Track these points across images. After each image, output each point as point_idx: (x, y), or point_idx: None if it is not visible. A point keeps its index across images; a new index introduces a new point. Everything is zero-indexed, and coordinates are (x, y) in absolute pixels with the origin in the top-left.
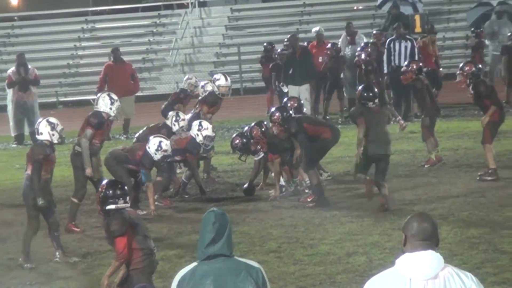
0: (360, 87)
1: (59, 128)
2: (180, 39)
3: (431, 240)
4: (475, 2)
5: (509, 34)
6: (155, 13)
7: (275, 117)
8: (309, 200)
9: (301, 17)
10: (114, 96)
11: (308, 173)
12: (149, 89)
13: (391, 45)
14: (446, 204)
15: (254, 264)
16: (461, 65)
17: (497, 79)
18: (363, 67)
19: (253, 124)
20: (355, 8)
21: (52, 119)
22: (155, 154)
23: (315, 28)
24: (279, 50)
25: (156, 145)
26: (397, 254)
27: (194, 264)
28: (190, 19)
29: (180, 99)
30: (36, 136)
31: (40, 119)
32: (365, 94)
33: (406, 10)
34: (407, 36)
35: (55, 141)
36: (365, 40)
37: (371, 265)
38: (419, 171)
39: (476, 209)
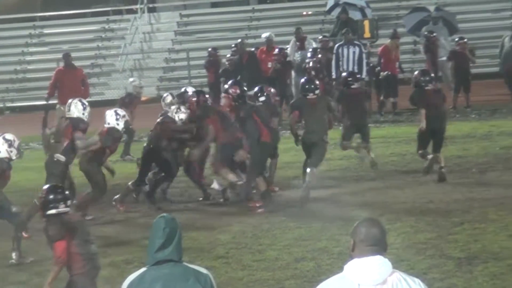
0: (302, 80)
1: (16, 144)
2: (129, 44)
3: (379, 246)
4: (419, 9)
5: (456, 39)
6: (104, 18)
7: (233, 89)
8: (257, 205)
9: (250, 22)
10: (85, 102)
11: (255, 180)
12: (98, 95)
13: (340, 50)
14: (394, 210)
15: (203, 270)
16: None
17: (442, 85)
18: (313, 73)
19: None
20: (304, 13)
21: (8, 136)
22: (117, 123)
23: (265, 34)
24: (228, 55)
25: (113, 115)
26: (345, 259)
27: (143, 269)
28: (139, 25)
29: (125, 103)
30: None
31: None
32: (306, 86)
33: (355, 15)
34: (355, 42)
35: (14, 158)
36: (314, 45)
37: (320, 270)
38: (367, 176)
39: (424, 214)
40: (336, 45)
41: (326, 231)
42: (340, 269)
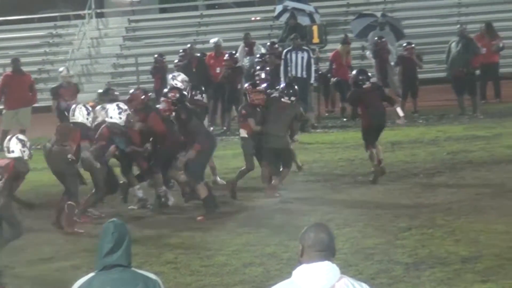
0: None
1: (28, 144)
2: (77, 50)
3: (327, 251)
4: (366, 15)
5: (404, 44)
6: (51, 23)
7: (171, 94)
8: (199, 219)
9: (199, 27)
10: (89, 107)
11: (196, 187)
12: (45, 100)
13: (288, 56)
14: (342, 215)
15: (152, 276)
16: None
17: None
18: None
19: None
20: (252, 19)
21: (21, 136)
22: (120, 117)
23: (213, 39)
24: (176, 61)
25: (116, 109)
26: (294, 265)
27: (92, 274)
28: (87, 30)
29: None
30: (6, 154)
31: (9, 136)
32: (285, 91)
33: (304, 21)
34: (304, 47)
35: (26, 158)
36: (262, 50)
37: (268, 276)
38: (316, 182)
39: (372, 219)
40: (285, 51)
41: (274, 236)
42: (289, 274)
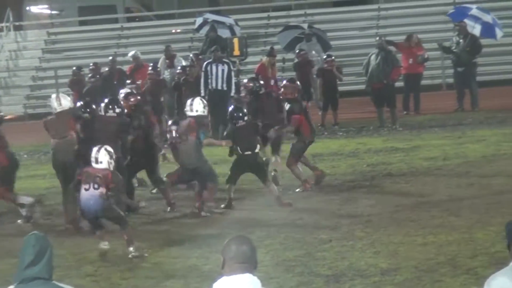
0: (230, 108)
1: (114, 156)
2: None
3: (249, 263)
4: (293, 27)
5: (324, 56)
6: None
7: (133, 98)
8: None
9: (119, 40)
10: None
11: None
12: None
13: (208, 68)
14: (264, 227)
15: None
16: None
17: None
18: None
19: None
20: (173, 31)
21: (109, 148)
22: (204, 110)
23: (131, 52)
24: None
25: (200, 103)
26: (215, 277)
27: (11, 287)
28: (5, 43)
29: None
30: (94, 164)
31: (96, 148)
32: (235, 114)
33: (224, 33)
34: (224, 60)
35: (111, 169)
36: (183, 63)
37: None
38: (237, 194)
39: (292, 231)
40: (205, 63)
41: (196, 248)
42: (210, 287)
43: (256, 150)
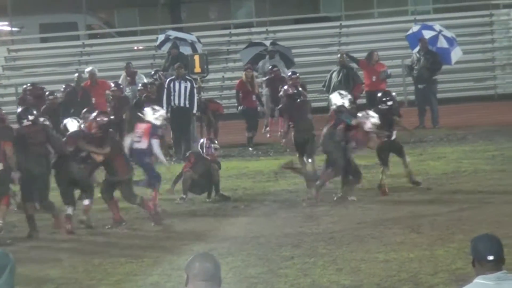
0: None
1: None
2: None
3: (213, 281)
4: (255, 44)
5: (289, 73)
6: None
7: (100, 119)
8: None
9: (81, 57)
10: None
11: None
12: None
13: (171, 85)
14: (226, 244)
15: None
16: None
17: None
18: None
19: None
20: (135, 48)
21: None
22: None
23: (88, 68)
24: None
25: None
26: None
27: None
28: None
29: None
30: None
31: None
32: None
33: (186, 50)
34: (187, 77)
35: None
36: (145, 80)
37: None
38: (199, 211)
39: (255, 248)
40: (168, 80)
41: (157, 265)
42: None
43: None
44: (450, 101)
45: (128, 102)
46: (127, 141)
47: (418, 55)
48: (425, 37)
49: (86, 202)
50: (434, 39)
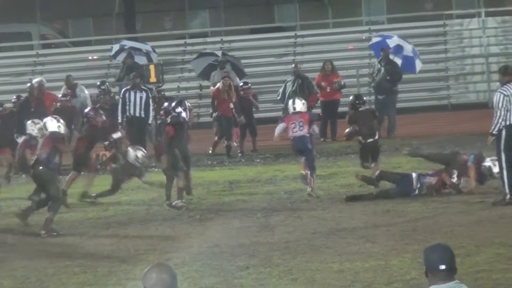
0: None
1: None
2: None
3: None
4: (206, 54)
5: (241, 84)
6: None
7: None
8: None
9: (35, 67)
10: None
11: None
12: None
13: (127, 95)
14: (181, 254)
15: None
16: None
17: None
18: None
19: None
20: (89, 58)
21: None
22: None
23: (36, 79)
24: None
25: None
26: None
27: None
28: None
29: None
30: None
31: None
32: None
33: (141, 60)
34: (143, 87)
35: None
36: (86, 92)
37: None
38: (155, 221)
39: (209, 258)
40: (123, 90)
41: (112, 275)
42: None
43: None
44: (405, 111)
45: (75, 112)
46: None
47: (379, 65)
48: (390, 45)
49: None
50: (399, 47)
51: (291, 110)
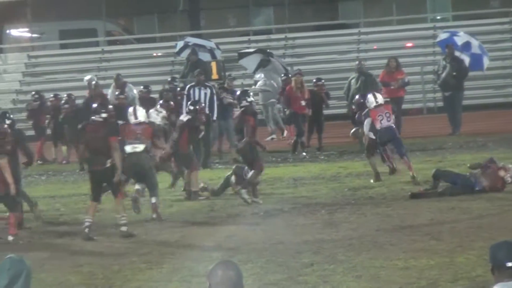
0: None
1: None
2: None
3: None
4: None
5: (314, 80)
6: None
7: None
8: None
9: (100, 63)
10: None
11: None
12: None
13: (191, 91)
14: (245, 250)
15: None
16: None
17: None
18: None
19: None
20: (154, 54)
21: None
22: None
23: (87, 76)
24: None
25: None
26: None
27: None
28: None
29: None
30: None
31: None
32: None
33: (205, 57)
34: (207, 84)
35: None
36: (135, 91)
37: None
38: (218, 217)
39: (274, 255)
40: (188, 86)
41: (177, 272)
42: None
43: None
44: (470, 108)
45: None
46: None
47: (444, 62)
48: (458, 43)
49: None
50: (467, 44)
51: (373, 104)
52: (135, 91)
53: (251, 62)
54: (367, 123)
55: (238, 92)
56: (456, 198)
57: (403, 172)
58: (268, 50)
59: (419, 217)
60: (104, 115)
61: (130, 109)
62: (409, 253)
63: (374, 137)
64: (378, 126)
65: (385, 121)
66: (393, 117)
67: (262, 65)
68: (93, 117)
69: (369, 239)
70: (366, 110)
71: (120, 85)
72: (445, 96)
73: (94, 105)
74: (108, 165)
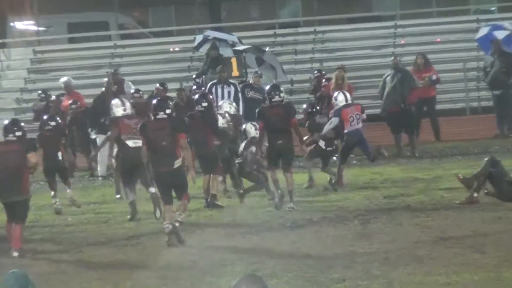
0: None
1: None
2: None
3: None
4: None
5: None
6: None
7: None
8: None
9: (112, 59)
10: None
11: None
12: None
13: (213, 89)
14: (270, 264)
15: None
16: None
17: None
18: None
19: None
20: (171, 49)
21: None
22: None
23: (63, 79)
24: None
25: None
26: None
27: None
28: None
29: None
30: None
31: None
32: None
33: (226, 52)
34: (230, 81)
35: None
36: (133, 88)
37: None
38: (240, 229)
39: (302, 270)
40: (209, 84)
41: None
42: None
43: None
44: None
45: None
46: None
47: (492, 57)
48: (498, 38)
49: None
50: (509, 38)
51: (343, 102)
52: (133, 88)
53: (253, 61)
54: (333, 121)
55: (267, 87)
56: (503, 207)
57: (444, 179)
58: (259, 47)
59: (461, 228)
60: (168, 110)
61: (117, 101)
62: (450, 267)
63: (324, 148)
64: (347, 127)
65: (355, 123)
66: (363, 118)
67: (258, 64)
68: (157, 115)
69: (407, 252)
70: (337, 108)
71: (118, 81)
72: (494, 94)
73: (154, 102)
74: (176, 166)
